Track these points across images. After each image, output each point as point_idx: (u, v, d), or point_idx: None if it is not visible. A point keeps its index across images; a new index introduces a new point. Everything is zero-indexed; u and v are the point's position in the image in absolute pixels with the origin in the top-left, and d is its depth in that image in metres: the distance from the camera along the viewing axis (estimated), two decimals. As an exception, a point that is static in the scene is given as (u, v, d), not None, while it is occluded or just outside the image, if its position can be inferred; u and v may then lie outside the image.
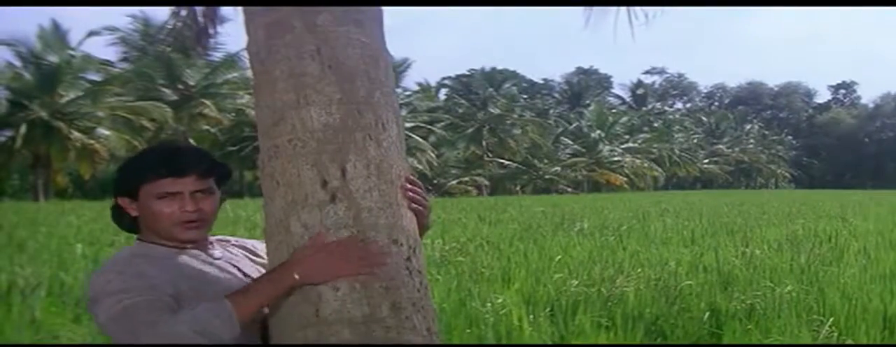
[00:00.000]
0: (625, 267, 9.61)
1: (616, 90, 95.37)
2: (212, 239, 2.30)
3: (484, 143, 61.44)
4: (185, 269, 2.13)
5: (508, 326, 6.51)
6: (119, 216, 2.21)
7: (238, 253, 2.34)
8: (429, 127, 56.23)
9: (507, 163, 62.21)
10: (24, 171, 44.51)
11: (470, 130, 61.23)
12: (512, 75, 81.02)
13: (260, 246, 2.36)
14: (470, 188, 58.17)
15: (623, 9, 4.28)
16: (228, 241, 2.39)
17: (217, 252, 2.26)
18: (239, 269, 2.24)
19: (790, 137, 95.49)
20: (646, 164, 71.39)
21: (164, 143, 2.58)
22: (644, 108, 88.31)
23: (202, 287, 2.09)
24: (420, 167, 50.26)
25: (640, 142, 73.70)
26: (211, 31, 4.43)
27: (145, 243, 2.18)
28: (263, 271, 2.22)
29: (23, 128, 37.78)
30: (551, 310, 7.15)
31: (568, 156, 66.81)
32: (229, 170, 2.27)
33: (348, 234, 2.04)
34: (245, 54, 2.40)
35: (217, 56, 44.41)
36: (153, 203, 2.10)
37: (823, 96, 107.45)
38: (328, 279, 2.00)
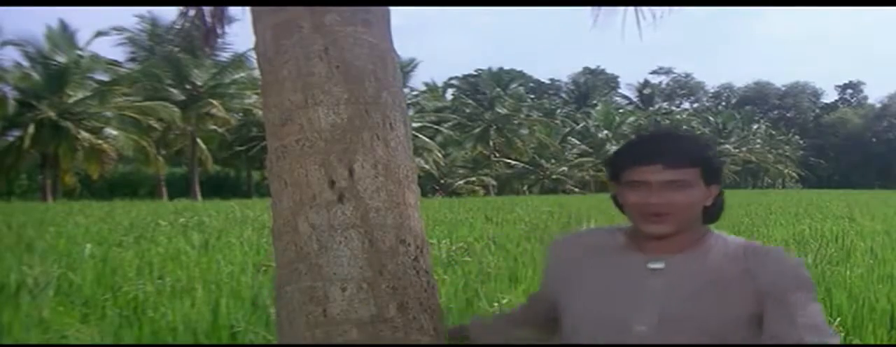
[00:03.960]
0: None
1: (623, 90, 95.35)
2: (714, 241, 2.02)
3: (491, 143, 61.40)
4: (585, 265, 2.04)
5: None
6: (615, 203, 2.08)
7: (713, 267, 1.96)
8: (436, 127, 56.22)
9: (514, 162, 62.15)
10: (33, 171, 44.66)
11: (477, 130, 61.21)
12: (519, 75, 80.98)
13: (771, 269, 1.95)
14: (477, 188, 58.15)
15: (630, 9, 4.26)
16: (752, 254, 1.98)
17: (662, 260, 1.96)
18: (672, 288, 1.93)
19: (797, 137, 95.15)
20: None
21: (653, 129, 2.34)
22: (651, 108, 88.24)
23: (563, 288, 2.05)
24: (427, 167, 50.28)
25: (647, 142, 73.58)
26: (219, 31, 4.42)
27: (620, 229, 2.08)
28: (716, 303, 1.92)
29: (31, 129, 37.90)
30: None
31: (575, 155, 66.72)
32: (718, 163, 2.04)
33: (356, 234, 2.04)
34: (253, 54, 2.40)
35: (225, 56, 44.65)
36: (625, 190, 1.96)
37: (830, 96, 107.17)
38: None
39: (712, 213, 2.05)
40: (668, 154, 1.92)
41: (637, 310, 1.91)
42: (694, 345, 1.89)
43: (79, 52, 40.78)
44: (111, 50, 78.39)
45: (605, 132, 68.64)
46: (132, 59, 47.28)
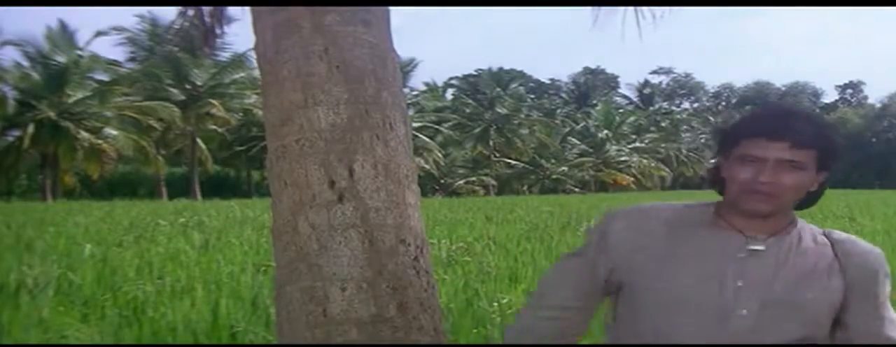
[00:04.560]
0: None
1: (623, 90, 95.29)
2: (801, 225, 1.95)
3: (491, 143, 61.39)
4: (673, 241, 1.90)
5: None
6: (713, 176, 1.97)
7: (808, 253, 1.91)
8: (436, 126, 56.21)
9: (514, 162, 62.15)
10: (32, 171, 44.64)
11: (477, 130, 61.21)
12: (519, 75, 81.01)
13: (858, 260, 1.93)
14: (477, 188, 58.16)
15: (630, 9, 4.27)
16: (826, 238, 1.96)
17: (763, 241, 1.88)
18: (773, 271, 1.86)
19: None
20: (653, 164, 71.29)
21: (776, 103, 2.16)
22: (651, 108, 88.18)
23: (655, 270, 1.88)
24: (427, 167, 50.28)
25: (647, 141, 73.62)
26: (218, 31, 4.42)
27: (707, 205, 1.96)
28: (815, 294, 1.88)
29: (31, 128, 37.90)
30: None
31: (575, 155, 66.70)
32: (838, 150, 1.90)
33: (356, 234, 2.04)
34: (253, 54, 2.40)
35: (225, 56, 44.61)
36: (735, 165, 1.84)
37: (830, 96, 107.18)
38: None
39: (810, 200, 1.95)
40: (796, 132, 1.81)
41: (740, 294, 1.83)
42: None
43: (79, 52, 40.77)
44: (111, 50, 78.54)
45: (605, 132, 68.61)
46: (132, 59, 47.25)
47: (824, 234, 1.97)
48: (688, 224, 1.92)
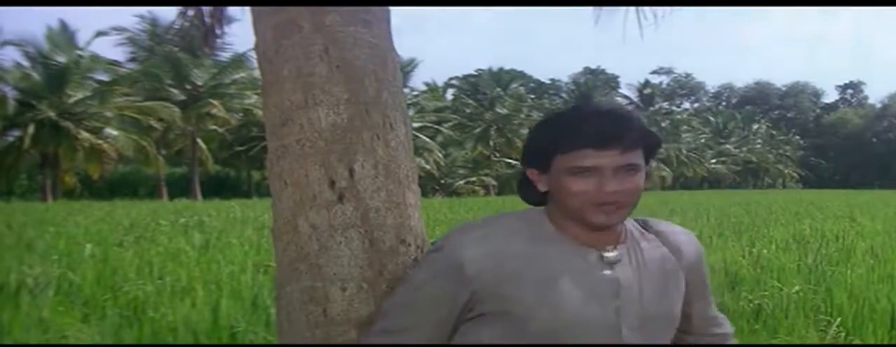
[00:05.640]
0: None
1: (623, 90, 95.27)
2: (629, 226, 1.88)
3: (491, 143, 61.43)
4: (538, 264, 1.75)
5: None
6: (526, 189, 1.87)
7: (652, 256, 1.87)
8: (436, 127, 56.24)
9: (514, 162, 62.11)
10: (33, 171, 44.67)
11: (477, 130, 61.25)
12: (519, 75, 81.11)
13: (687, 248, 1.93)
14: (477, 188, 58.19)
15: (631, 9, 4.27)
16: (648, 232, 1.92)
17: (617, 253, 1.81)
18: (637, 284, 1.80)
19: (798, 137, 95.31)
20: (653, 164, 71.06)
21: (588, 106, 1.82)
22: (651, 108, 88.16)
23: (528, 290, 1.72)
24: (428, 167, 50.29)
25: (647, 141, 73.62)
26: (218, 31, 4.42)
27: (541, 215, 1.83)
28: (681, 287, 1.88)
29: (31, 128, 37.93)
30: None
31: (575, 155, 66.65)
32: (659, 139, 1.82)
33: (356, 234, 2.04)
34: (253, 54, 2.39)
35: (225, 56, 44.67)
36: (565, 178, 1.71)
37: (831, 96, 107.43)
38: None
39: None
40: (622, 136, 1.70)
41: (620, 313, 1.75)
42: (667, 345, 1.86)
43: (79, 52, 40.79)
44: (111, 50, 78.55)
45: (606, 132, 68.58)
46: (132, 59, 47.28)
47: (644, 227, 1.92)
48: (540, 241, 1.77)
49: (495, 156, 61.40)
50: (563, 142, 1.71)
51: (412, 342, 1.78)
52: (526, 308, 1.71)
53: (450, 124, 59.24)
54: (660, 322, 1.83)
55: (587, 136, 1.69)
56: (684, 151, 77.56)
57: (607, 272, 1.78)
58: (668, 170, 73.38)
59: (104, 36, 44.05)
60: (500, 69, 77.01)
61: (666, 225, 1.95)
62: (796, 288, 7.75)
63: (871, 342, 6.23)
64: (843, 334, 6.38)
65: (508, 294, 1.71)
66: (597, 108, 1.78)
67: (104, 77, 43.14)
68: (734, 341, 2.08)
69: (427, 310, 1.78)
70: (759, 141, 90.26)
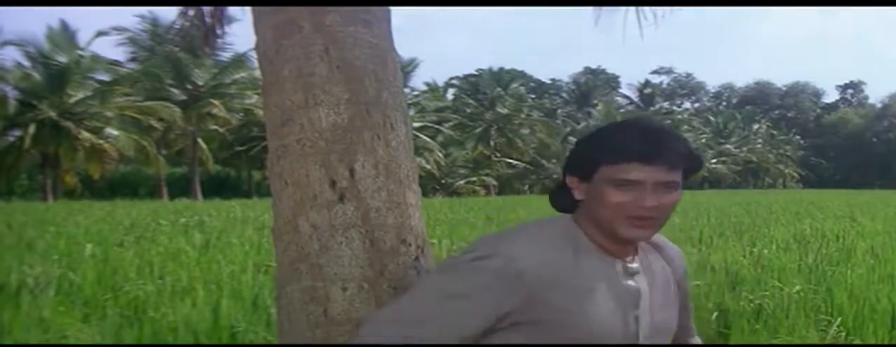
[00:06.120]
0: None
1: (624, 90, 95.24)
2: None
3: (492, 143, 61.40)
4: (579, 273, 1.77)
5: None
6: (559, 195, 1.90)
7: (657, 268, 1.93)
8: (437, 126, 56.21)
9: (515, 162, 62.16)
10: (33, 171, 44.66)
11: (478, 130, 61.22)
12: (520, 75, 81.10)
13: (679, 261, 2.01)
14: (478, 188, 58.15)
15: (632, 8, 4.27)
16: (660, 248, 1.99)
17: (637, 264, 1.86)
18: (650, 295, 1.85)
19: (798, 137, 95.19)
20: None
21: (641, 120, 1.85)
22: (652, 108, 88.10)
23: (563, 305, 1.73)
24: (428, 167, 50.28)
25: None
26: (219, 31, 4.43)
27: (572, 223, 1.85)
28: (677, 297, 1.95)
29: (32, 128, 37.94)
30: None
31: (576, 156, 66.64)
32: (701, 162, 1.86)
33: (357, 234, 2.04)
34: (253, 54, 2.40)
35: (225, 56, 44.67)
36: (607, 188, 1.74)
37: (831, 96, 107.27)
38: None
39: None
40: (670, 154, 1.74)
41: (639, 323, 1.81)
42: None
43: (79, 52, 40.78)
44: (112, 50, 78.39)
45: (606, 132, 68.60)
46: (133, 59, 47.29)
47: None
48: (578, 250, 1.80)
49: (496, 156, 61.38)
50: (611, 153, 1.75)
51: None
52: (565, 315, 1.73)
53: (450, 124, 59.20)
54: (664, 332, 1.88)
55: (635, 151, 1.72)
56: (685, 151, 77.56)
57: (631, 282, 1.82)
58: (668, 169, 73.34)
59: (105, 36, 44.12)
60: (501, 69, 77.05)
61: (659, 238, 1.98)
62: (797, 287, 7.75)
63: (872, 342, 6.23)
64: (844, 334, 6.38)
65: (553, 303, 1.72)
66: (647, 125, 1.81)
67: (105, 77, 43.14)
68: None
69: (460, 320, 1.73)
70: (760, 141, 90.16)
